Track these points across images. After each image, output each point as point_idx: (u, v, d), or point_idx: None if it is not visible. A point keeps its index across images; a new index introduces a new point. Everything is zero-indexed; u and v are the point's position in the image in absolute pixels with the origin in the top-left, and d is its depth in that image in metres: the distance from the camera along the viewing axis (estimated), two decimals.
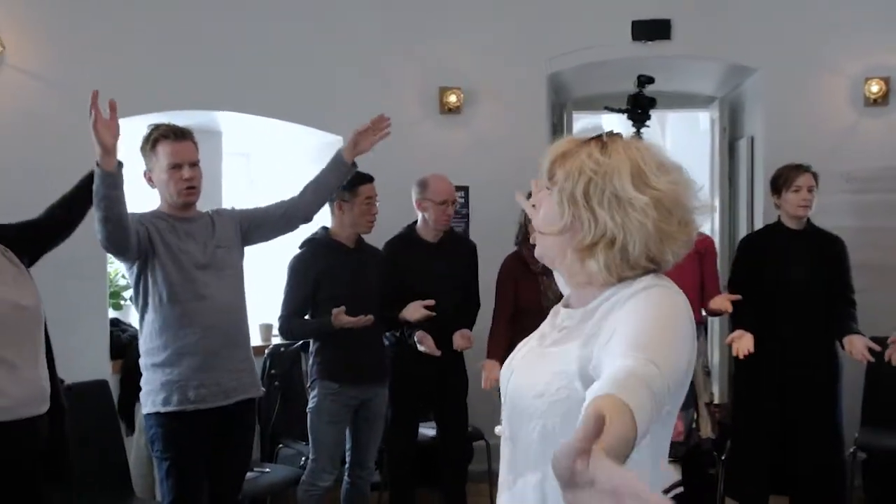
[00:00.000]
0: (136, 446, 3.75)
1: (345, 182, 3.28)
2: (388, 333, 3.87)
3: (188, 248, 2.95)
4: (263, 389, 3.22)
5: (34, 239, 2.65)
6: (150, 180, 2.98)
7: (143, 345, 2.97)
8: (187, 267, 2.93)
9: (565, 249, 1.40)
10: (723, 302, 3.69)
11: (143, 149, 2.95)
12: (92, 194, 2.62)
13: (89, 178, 2.68)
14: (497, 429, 1.57)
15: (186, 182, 2.92)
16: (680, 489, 3.76)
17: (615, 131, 1.44)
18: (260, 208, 3.23)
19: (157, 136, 2.91)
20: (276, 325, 3.67)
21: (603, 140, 1.40)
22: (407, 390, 3.89)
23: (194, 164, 2.95)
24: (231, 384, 2.97)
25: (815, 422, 3.74)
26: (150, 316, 2.93)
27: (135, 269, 2.92)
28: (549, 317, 1.52)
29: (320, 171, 3.21)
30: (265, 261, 4.03)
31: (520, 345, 1.53)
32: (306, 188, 3.20)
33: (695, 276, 3.90)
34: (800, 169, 3.79)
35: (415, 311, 3.67)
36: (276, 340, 4.82)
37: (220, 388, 2.94)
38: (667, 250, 1.37)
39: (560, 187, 1.39)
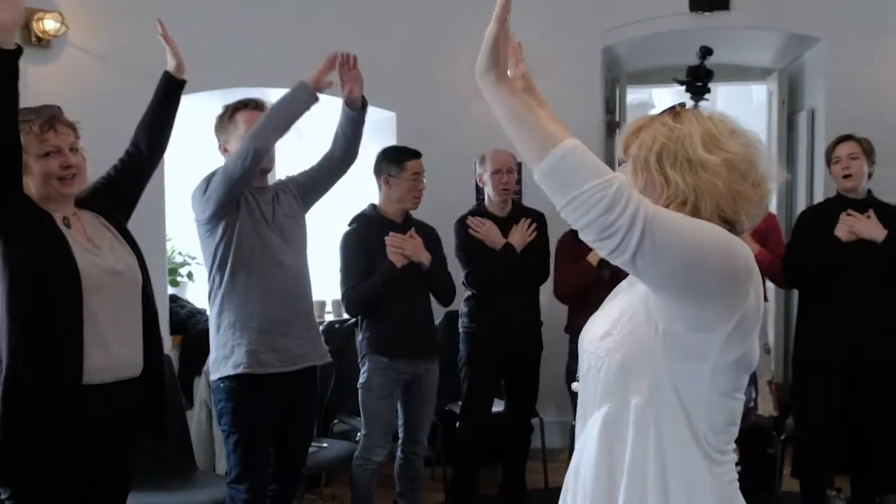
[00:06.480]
0: (197, 420, 3.82)
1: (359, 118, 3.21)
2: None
3: (264, 216, 3.03)
4: (330, 357, 3.24)
5: (126, 183, 2.69)
6: (225, 151, 3.05)
7: (215, 307, 3.02)
8: (265, 233, 3.00)
9: None
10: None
11: (220, 119, 3.05)
12: (170, 98, 2.73)
13: (166, 84, 2.74)
14: (574, 385, 1.60)
15: None
16: (738, 468, 3.72)
17: (686, 103, 1.49)
18: (309, 168, 3.29)
19: (238, 106, 3.02)
20: (337, 302, 3.69)
21: (675, 110, 1.47)
22: (484, 361, 3.95)
23: None
24: (298, 351, 3.02)
25: (880, 400, 3.66)
26: (226, 279, 2.98)
27: (218, 230, 2.96)
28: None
29: (338, 123, 3.23)
30: (315, 239, 4.07)
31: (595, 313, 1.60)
32: (335, 135, 3.23)
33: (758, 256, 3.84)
34: (840, 139, 3.78)
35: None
36: (329, 317, 4.88)
37: (289, 354, 3.00)
38: (740, 210, 1.42)
39: (634, 156, 1.45)
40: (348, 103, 3.14)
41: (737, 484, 1.47)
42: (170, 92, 2.76)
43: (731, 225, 1.42)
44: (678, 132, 1.42)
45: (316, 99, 2.95)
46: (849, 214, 3.65)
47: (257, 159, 2.86)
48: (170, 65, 2.76)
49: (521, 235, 3.88)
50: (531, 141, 1.32)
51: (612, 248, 1.27)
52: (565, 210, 1.29)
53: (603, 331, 1.46)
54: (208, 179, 2.96)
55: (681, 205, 1.40)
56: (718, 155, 1.40)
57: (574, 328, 3.93)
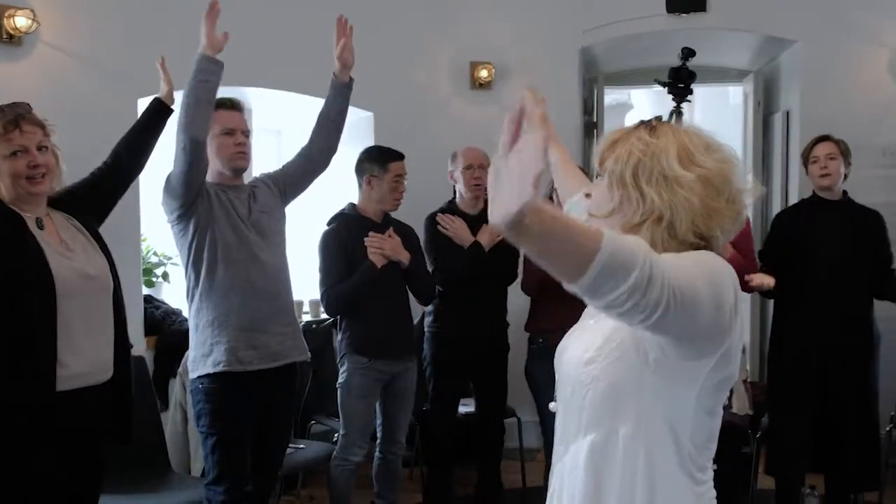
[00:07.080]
0: (172, 421, 3.79)
1: (348, 99, 3.31)
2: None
3: (238, 213, 3.03)
4: (310, 354, 3.24)
5: (102, 192, 2.70)
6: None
7: (194, 306, 3.01)
8: (241, 229, 3.00)
9: (614, 230, 1.40)
10: (763, 277, 3.61)
11: None
12: (157, 123, 2.82)
13: (155, 109, 2.83)
14: (552, 405, 1.58)
15: (239, 147, 3.04)
16: (713, 467, 3.74)
17: (662, 117, 1.48)
18: (287, 163, 3.31)
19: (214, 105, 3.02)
20: (314, 302, 3.67)
21: (651, 124, 1.46)
22: (449, 362, 3.91)
23: (246, 134, 3.10)
24: (278, 347, 3.02)
25: (854, 400, 3.70)
26: (202, 277, 2.97)
27: (189, 228, 2.96)
28: None
29: (325, 102, 3.30)
30: (292, 239, 4.05)
31: (573, 328, 1.58)
32: (317, 122, 3.29)
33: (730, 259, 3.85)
34: (817, 140, 3.79)
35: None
36: (307, 318, 4.85)
37: (269, 351, 2.99)
38: (714, 227, 1.41)
39: (610, 171, 1.44)
40: (339, 71, 3.23)
41: (715, 503, 1.49)
42: (157, 117, 2.85)
43: (706, 241, 1.41)
44: (654, 147, 1.41)
45: (221, 64, 2.92)
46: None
47: (197, 146, 2.85)
48: (162, 91, 2.86)
49: (489, 235, 3.85)
50: (564, 262, 1.14)
51: (638, 321, 1.19)
52: (603, 309, 1.20)
53: (587, 356, 1.44)
54: (167, 181, 2.97)
55: (657, 220, 1.39)
56: (693, 171, 1.39)
57: (535, 327, 3.83)
